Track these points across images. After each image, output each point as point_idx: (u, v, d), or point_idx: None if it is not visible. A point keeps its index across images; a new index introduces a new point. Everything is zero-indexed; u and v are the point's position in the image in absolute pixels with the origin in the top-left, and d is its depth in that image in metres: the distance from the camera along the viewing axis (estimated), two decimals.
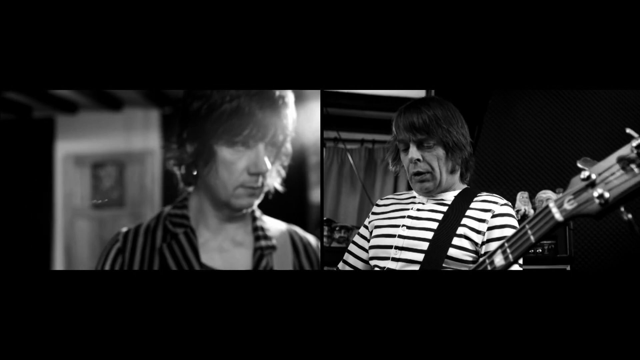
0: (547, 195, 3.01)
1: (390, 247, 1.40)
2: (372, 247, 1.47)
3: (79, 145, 3.54)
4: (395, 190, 3.51)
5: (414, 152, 1.39)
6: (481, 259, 1.06)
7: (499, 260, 1.01)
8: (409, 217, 1.43)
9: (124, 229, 1.18)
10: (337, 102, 3.10)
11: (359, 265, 1.54)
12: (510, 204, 1.40)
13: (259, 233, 1.22)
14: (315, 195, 3.00)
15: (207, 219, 1.19)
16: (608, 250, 3.30)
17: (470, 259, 1.33)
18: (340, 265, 1.58)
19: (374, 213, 1.57)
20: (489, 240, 1.33)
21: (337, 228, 2.86)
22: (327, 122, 3.25)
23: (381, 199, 1.60)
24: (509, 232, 1.33)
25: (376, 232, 1.49)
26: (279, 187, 1.22)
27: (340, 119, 3.30)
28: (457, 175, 1.46)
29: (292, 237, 1.28)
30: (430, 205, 1.43)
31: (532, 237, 0.93)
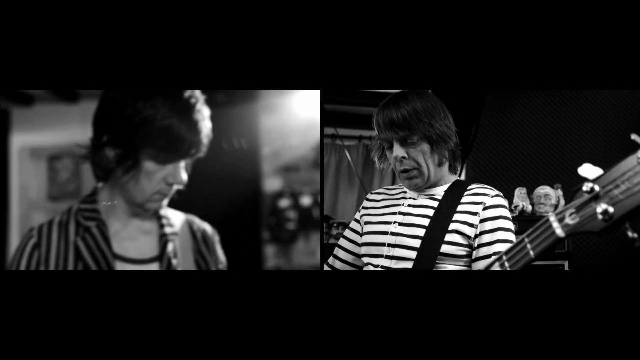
0: (545, 191, 2.99)
1: (382, 244, 1.38)
2: (364, 244, 1.45)
3: (35, 137, 3.49)
4: None
5: (398, 150, 1.36)
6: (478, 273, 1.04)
7: None
8: (400, 213, 1.41)
9: (37, 225, 1.23)
10: (335, 99, 3.07)
11: (350, 259, 1.52)
12: (501, 194, 1.37)
13: (162, 221, 1.30)
14: (268, 184, 3.03)
15: (117, 212, 1.26)
16: (606, 246, 3.29)
17: (463, 253, 1.31)
18: (331, 260, 1.56)
19: (364, 207, 1.55)
20: (481, 233, 1.31)
21: (335, 224, 2.85)
22: (324, 118, 3.23)
23: (371, 193, 1.58)
24: (501, 223, 1.31)
25: (367, 228, 1.47)
26: (182, 187, 1.28)
27: (338, 115, 3.27)
28: (446, 167, 1.43)
29: (190, 225, 1.37)
30: (421, 200, 1.41)
31: (531, 252, 0.89)
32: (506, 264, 0.95)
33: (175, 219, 1.34)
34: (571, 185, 3.03)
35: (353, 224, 1.56)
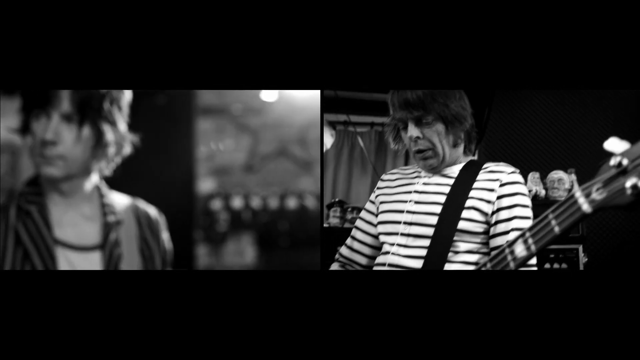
0: (558, 176, 2.97)
1: (398, 222, 1.39)
2: (380, 222, 1.46)
3: None
4: None
5: (412, 130, 1.36)
6: (500, 249, 1.03)
7: (520, 250, 0.98)
8: (416, 191, 1.42)
9: None
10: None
11: (368, 240, 1.53)
12: (518, 171, 1.37)
13: (106, 209, 1.28)
14: (202, 186, 3.14)
15: (53, 195, 1.23)
16: (620, 230, 3.27)
17: (480, 230, 1.31)
18: (349, 241, 1.57)
19: (379, 188, 1.56)
20: (499, 209, 1.31)
21: (350, 209, 2.88)
22: (337, 105, 3.25)
23: (385, 174, 1.59)
24: (519, 200, 1.31)
25: (383, 207, 1.48)
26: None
27: (350, 101, 3.28)
28: (461, 148, 1.43)
29: (135, 211, 1.35)
30: (436, 179, 1.42)
31: (556, 229, 0.88)
32: (530, 241, 0.95)
33: (120, 204, 1.32)
34: (584, 170, 3.01)
35: (368, 205, 1.57)
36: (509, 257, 1.00)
